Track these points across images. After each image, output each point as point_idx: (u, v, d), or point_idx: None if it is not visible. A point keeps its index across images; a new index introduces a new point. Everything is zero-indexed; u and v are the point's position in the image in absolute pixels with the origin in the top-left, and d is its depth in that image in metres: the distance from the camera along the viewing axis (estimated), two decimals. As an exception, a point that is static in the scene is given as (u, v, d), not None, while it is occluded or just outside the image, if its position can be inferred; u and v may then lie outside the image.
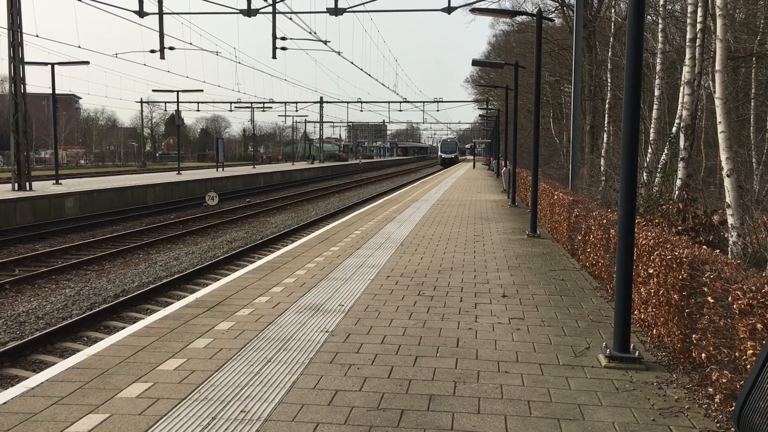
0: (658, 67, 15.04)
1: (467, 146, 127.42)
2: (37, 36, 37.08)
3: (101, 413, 4.24)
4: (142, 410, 4.28)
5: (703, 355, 4.58)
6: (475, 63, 19.57)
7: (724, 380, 4.16)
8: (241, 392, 4.60)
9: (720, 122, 10.18)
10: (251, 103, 70.95)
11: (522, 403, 4.46)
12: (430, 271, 9.20)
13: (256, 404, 4.39)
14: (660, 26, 15.34)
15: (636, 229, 5.96)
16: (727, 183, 9.86)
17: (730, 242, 9.72)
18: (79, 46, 44.81)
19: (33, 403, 4.42)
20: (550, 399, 4.53)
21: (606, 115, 22.34)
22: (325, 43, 29.34)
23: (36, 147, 68.30)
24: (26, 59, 23.37)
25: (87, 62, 28.49)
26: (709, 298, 4.51)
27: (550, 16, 26.95)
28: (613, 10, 23.61)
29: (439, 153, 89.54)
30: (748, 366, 3.84)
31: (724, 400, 4.22)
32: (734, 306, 4.09)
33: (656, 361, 5.34)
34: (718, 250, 5.38)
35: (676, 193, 11.72)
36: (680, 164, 12.20)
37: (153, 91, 60.91)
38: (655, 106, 15.30)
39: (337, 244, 11.76)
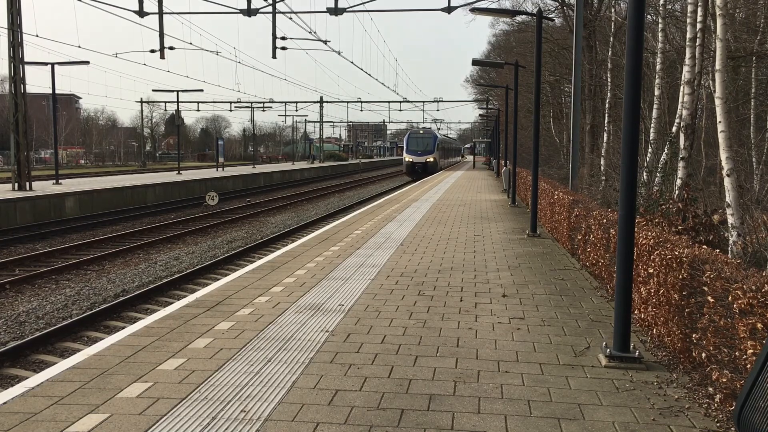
0: (658, 67, 15.04)
1: (466, 146, 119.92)
2: (37, 36, 37.20)
3: (101, 413, 4.24)
4: (143, 410, 4.28)
5: (703, 354, 4.58)
6: (475, 63, 19.58)
7: (724, 380, 4.16)
8: (241, 392, 4.60)
9: (720, 122, 10.18)
10: (251, 102, 71.08)
11: (522, 402, 4.46)
12: (431, 271, 9.20)
13: (256, 404, 4.39)
14: (660, 26, 15.35)
15: (636, 229, 5.96)
16: (727, 182, 9.86)
17: (730, 242, 9.72)
18: (79, 46, 44.89)
19: (33, 402, 4.42)
20: (550, 399, 4.53)
21: (606, 115, 22.33)
22: (325, 43, 29.36)
23: (36, 147, 68.24)
24: (26, 59, 23.37)
25: (87, 62, 28.51)
26: (709, 298, 4.51)
27: (550, 15, 26.97)
28: (613, 10, 23.60)
29: (405, 154, 50.82)
30: (748, 365, 3.84)
31: (724, 399, 4.22)
32: (734, 305, 4.09)
33: (656, 361, 5.34)
34: (718, 250, 5.38)
35: (676, 192, 11.72)
36: (680, 164, 12.20)
37: (153, 91, 60.85)
38: (655, 106, 15.31)
39: (337, 243, 11.76)
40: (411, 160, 49.04)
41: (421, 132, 53.22)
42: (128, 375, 4.93)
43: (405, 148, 50.93)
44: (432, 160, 49.04)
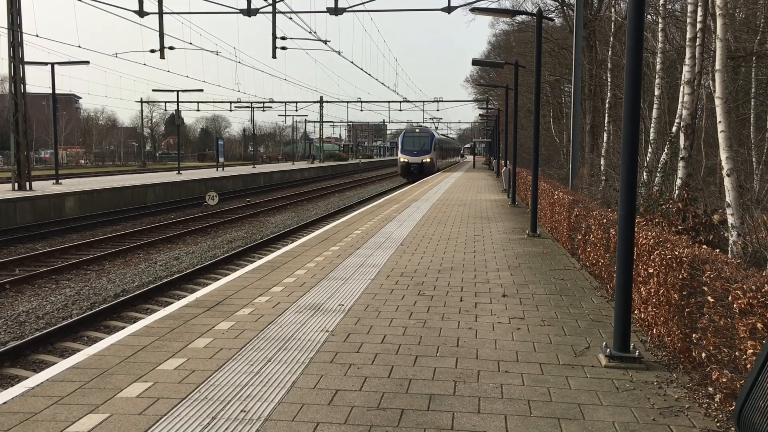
0: (658, 67, 15.04)
1: (466, 146, 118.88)
2: (37, 36, 37.23)
3: (101, 413, 4.24)
4: (143, 410, 4.28)
5: (703, 354, 4.58)
6: (475, 62, 19.59)
7: (724, 379, 4.16)
8: (241, 392, 4.60)
9: (720, 122, 10.18)
10: (251, 102, 71.07)
11: (522, 402, 4.46)
12: (431, 271, 9.20)
13: (256, 404, 4.39)
14: (660, 26, 15.34)
15: (636, 229, 5.95)
16: (727, 182, 9.86)
17: (730, 242, 9.72)
18: (79, 46, 44.92)
19: (33, 402, 4.42)
20: (550, 398, 4.53)
21: (606, 115, 22.33)
22: (325, 43, 29.36)
23: (36, 147, 68.27)
24: (26, 59, 23.38)
25: (87, 62, 28.50)
26: (709, 298, 4.51)
27: (550, 15, 26.97)
28: (613, 10, 23.60)
29: (400, 154, 47.02)
30: (748, 365, 3.84)
31: (724, 399, 4.22)
32: (734, 305, 4.09)
33: (656, 361, 5.34)
34: (718, 250, 5.38)
35: (676, 192, 11.72)
36: (680, 164, 12.20)
37: (153, 90, 60.91)
38: (655, 106, 15.30)
39: (337, 243, 11.76)
40: (406, 160, 45.47)
41: (417, 130, 48.72)
42: (128, 375, 4.93)
43: (400, 147, 47.01)
44: (429, 160, 45.67)
